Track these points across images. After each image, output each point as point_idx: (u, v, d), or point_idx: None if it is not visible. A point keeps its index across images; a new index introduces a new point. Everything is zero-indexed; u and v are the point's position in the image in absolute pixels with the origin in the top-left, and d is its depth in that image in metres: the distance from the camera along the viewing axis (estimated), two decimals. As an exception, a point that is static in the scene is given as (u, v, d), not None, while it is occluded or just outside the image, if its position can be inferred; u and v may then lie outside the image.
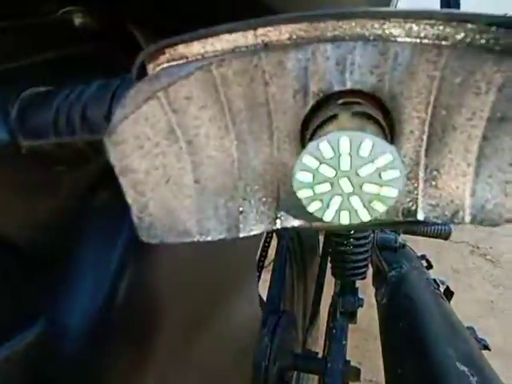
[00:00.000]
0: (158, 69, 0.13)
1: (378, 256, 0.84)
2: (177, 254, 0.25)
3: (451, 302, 0.70)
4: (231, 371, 0.38)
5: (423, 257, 0.86)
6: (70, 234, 0.21)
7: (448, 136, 0.12)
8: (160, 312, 0.24)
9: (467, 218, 0.12)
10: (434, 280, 0.75)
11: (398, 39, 0.11)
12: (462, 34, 0.11)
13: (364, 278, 0.79)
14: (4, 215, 0.20)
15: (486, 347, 0.60)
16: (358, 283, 0.82)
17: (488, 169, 0.12)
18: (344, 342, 0.69)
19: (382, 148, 0.10)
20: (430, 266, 0.85)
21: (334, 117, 0.12)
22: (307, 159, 0.11)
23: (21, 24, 0.22)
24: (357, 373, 0.60)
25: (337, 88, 0.13)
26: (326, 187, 0.11)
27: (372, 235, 0.76)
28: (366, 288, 0.95)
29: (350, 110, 0.12)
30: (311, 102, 0.13)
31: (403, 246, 0.85)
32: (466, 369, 0.47)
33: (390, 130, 0.13)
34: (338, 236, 0.73)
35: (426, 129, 0.12)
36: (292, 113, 0.13)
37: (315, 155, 0.11)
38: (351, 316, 0.78)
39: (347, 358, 0.63)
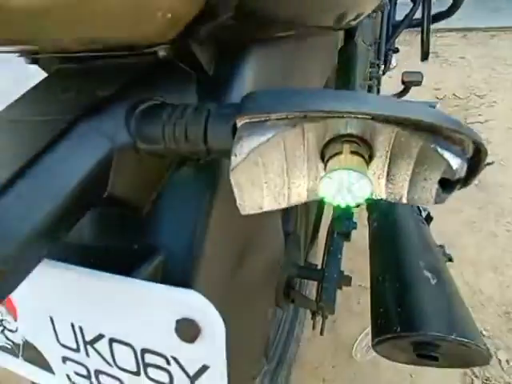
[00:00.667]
0: (242, 122, 0.24)
1: (372, 185, 0.96)
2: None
3: (432, 224, 0.85)
4: (264, 284, 0.54)
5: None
6: (170, 197, 0.33)
7: (399, 161, 0.24)
8: (227, 241, 0.37)
9: (405, 200, 0.25)
10: (418, 207, 0.89)
11: (376, 122, 0.22)
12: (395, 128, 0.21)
13: (358, 205, 0.93)
14: (128, 190, 0.32)
15: (450, 259, 0.77)
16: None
17: (417, 180, 0.24)
18: (339, 257, 0.84)
19: (361, 177, 0.22)
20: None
21: (340, 153, 0.23)
22: (326, 181, 0.23)
23: (122, 58, 0.31)
24: (349, 280, 0.74)
25: (342, 132, 0.24)
26: (335, 189, 0.23)
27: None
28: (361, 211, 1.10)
29: (349, 148, 0.23)
30: (327, 139, 0.24)
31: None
32: (429, 274, 0.61)
33: (370, 155, 0.24)
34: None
35: (388, 155, 0.24)
36: (316, 145, 0.24)
37: (330, 178, 0.22)
38: (346, 236, 0.89)
39: (341, 269, 0.76)
